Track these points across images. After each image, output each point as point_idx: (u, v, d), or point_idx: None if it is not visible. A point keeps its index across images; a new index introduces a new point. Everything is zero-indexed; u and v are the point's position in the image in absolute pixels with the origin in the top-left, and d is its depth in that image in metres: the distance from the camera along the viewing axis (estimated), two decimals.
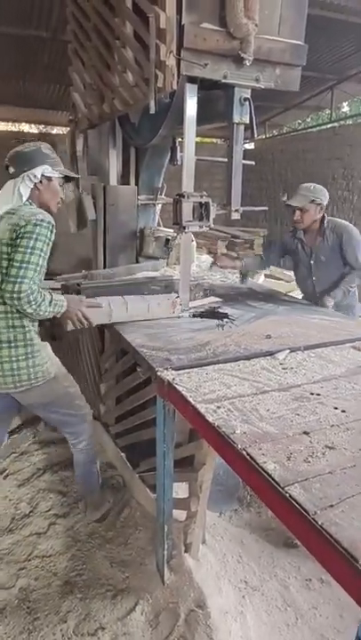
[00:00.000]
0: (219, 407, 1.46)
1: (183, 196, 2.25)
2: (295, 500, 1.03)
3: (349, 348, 2.04)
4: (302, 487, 1.07)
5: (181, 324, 2.35)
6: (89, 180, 3.15)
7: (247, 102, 2.19)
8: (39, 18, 6.01)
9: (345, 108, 14.08)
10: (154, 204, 3.36)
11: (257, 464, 1.16)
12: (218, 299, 2.82)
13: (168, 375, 1.69)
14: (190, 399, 1.51)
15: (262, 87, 2.19)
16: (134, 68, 2.22)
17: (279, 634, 1.83)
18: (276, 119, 11.05)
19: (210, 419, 1.39)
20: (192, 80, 2.11)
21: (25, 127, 14.31)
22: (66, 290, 2.41)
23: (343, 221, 2.94)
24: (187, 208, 2.28)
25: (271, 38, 2.12)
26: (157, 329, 2.23)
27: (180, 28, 1.95)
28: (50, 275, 2.27)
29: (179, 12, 1.95)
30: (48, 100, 9.23)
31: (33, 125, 14.06)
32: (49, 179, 1.99)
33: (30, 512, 2.45)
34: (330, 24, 6.03)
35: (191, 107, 2.17)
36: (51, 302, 1.88)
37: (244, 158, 2.36)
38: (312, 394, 1.58)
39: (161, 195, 3.35)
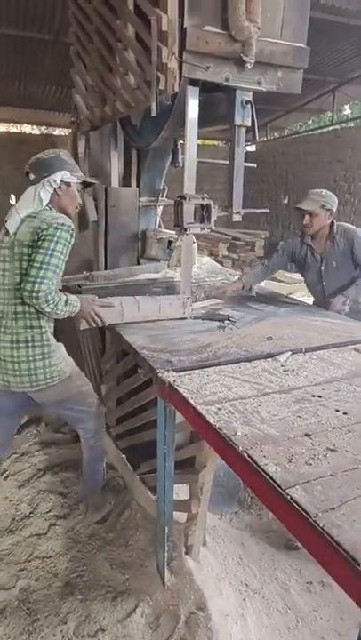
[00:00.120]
0: (220, 409, 1.46)
1: (184, 198, 2.25)
2: (296, 503, 1.03)
3: (351, 350, 2.03)
4: (304, 489, 1.07)
5: (183, 325, 2.35)
6: None
7: (249, 105, 2.19)
8: (42, 20, 6.04)
9: (346, 111, 14.11)
10: (155, 206, 3.37)
11: (258, 466, 1.16)
12: (219, 300, 2.82)
13: (169, 377, 1.69)
14: (191, 401, 1.51)
15: (264, 90, 2.19)
16: (136, 71, 2.23)
17: (280, 636, 1.83)
18: (277, 122, 11.07)
19: (211, 420, 1.39)
20: (194, 83, 2.11)
21: (27, 128, 14.36)
22: (67, 291, 2.41)
23: (352, 226, 2.92)
24: (188, 210, 2.28)
25: (273, 41, 2.12)
26: (159, 330, 2.23)
27: (182, 30, 1.96)
28: None
29: (181, 14, 1.95)
30: (50, 101, 9.26)
31: (35, 127, 14.10)
32: (68, 184, 2.05)
33: (30, 513, 2.45)
34: (331, 27, 6.04)
35: (193, 109, 2.18)
36: (66, 302, 1.94)
37: (245, 161, 2.37)
38: (313, 396, 1.57)
39: (162, 197, 3.35)
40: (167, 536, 1.96)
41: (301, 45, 2.21)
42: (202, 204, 2.29)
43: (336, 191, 8.53)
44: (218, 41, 2.00)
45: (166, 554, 1.99)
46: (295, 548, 2.19)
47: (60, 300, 1.90)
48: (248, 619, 1.87)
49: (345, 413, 1.45)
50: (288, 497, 1.05)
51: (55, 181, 1.99)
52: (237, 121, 2.22)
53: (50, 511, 2.47)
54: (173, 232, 2.85)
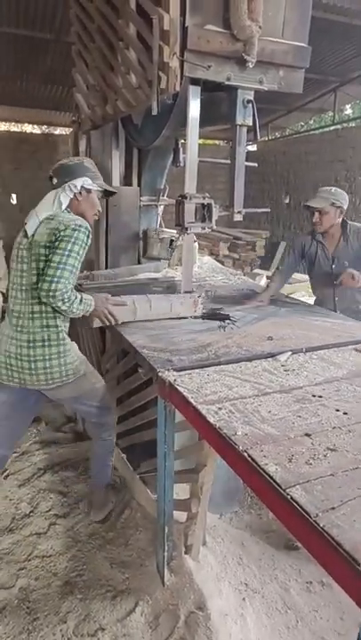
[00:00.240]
0: (220, 408, 1.46)
1: (186, 198, 2.25)
2: (297, 502, 1.03)
3: (351, 350, 2.03)
4: (304, 489, 1.07)
5: (183, 325, 2.35)
6: None
7: (250, 104, 2.19)
8: (43, 19, 6.03)
9: (348, 111, 14.09)
10: (156, 206, 3.37)
11: (258, 466, 1.16)
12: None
13: (169, 376, 1.69)
14: (192, 400, 1.51)
15: (265, 89, 2.19)
16: (137, 70, 2.23)
17: (279, 636, 1.83)
18: (278, 121, 11.05)
19: (211, 420, 1.39)
20: (195, 82, 2.11)
21: (28, 128, 14.36)
22: None
23: None
24: (189, 209, 2.28)
25: (275, 40, 2.12)
26: (159, 330, 2.23)
27: (184, 29, 1.96)
28: None
29: (182, 13, 1.96)
30: (51, 100, 9.25)
31: (36, 126, 14.11)
32: (88, 191, 2.10)
33: (31, 512, 2.46)
34: (333, 26, 6.03)
35: (194, 108, 2.18)
36: (81, 301, 1.98)
37: (246, 160, 2.37)
38: (314, 396, 1.57)
39: (163, 196, 3.35)
40: (167, 535, 1.96)
41: (303, 45, 2.21)
42: (203, 204, 2.30)
43: None
44: (219, 40, 2.00)
45: (166, 553, 1.99)
46: (295, 547, 2.19)
47: (76, 298, 1.94)
48: (248, 618, 1.87)
49: (345, 413, 1.45)
50: (288, 497, 1.05)
51: (75, 187, 2.05)
52: (239, 120, 2.22)
53: (50, 510, 2.47)
54: (174, 231, 2.85)
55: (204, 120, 2.23)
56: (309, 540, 0.99)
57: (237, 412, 1.44)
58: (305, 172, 9.59)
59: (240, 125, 2.25)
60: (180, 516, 2.10)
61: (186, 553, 2.07)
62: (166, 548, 1.98)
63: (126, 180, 3.25)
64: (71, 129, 3.53)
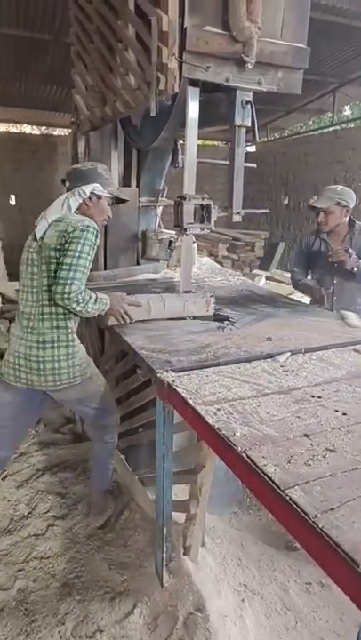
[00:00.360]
0: (219, 409, 1.46)
1: (184, 199, 2.25)
2: (295, 503, 1.02)
3: (351, 351, 2.03)
4: (303, 490, 1.07)
5: (182, 325, 2.34)
6: None
7: (249, 105, 2.19)
8: (42, 20, 6.03)
9: (347, 112, 14.12)
10: (155, 207, 3.37)
11: (257, 467, 1.16)
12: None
13: (168, 377, 1.69)
14: (190, 401, 1.51)
15: (264, 90, 2.19)
16: (136, 71, 2.23)
17: (279, 637, 1.83)
18: (277, 122, 11.06)
19: (210, 421, 1.39)
20: (194, 83, 2.11)
21: (27, 129, 14.35)
22: None
23: None
24: (188, 210, 2.28)
25: (273, 41, 2.12)
26: (158, 331, 2.23)
27: (183, 30, 1.95)
28: None
29: (181, 14, 1.95)
30: (50, 101, 9.25)
31: (35, 127, 14.10)
32: (98, 197, 2.12)
33: (29, 513, 2.45)
34: (332, 27, 6.04)
35: (193, 109, 2.18)
36: (96, 300, 1.99)
37: (245, 161, 2.36)
38: (313, 396, 1.57)
39: (162, 197, 3.35)
40: (166, 537, 1.96)
41: (302, 46, 2.20)
42: (202, 205, 2.29)
43: None
44: (218, 41, 2.00)
45: (165, 554, 1.98)
46: (294, 548, 2.19)
47: (90, 298, 1.95)
48: (247, 620, 1.87)
49: (344, 414, 1.45)
50: (287, 498, 1.04)
51: (85, 192, 2.07)
52: (238, 121, 2.22)
53: (48, 511, 2.47)
54: (173, 232, 2.85)
55: (203, 121, 2.22)
56: (308, 540, 0.99)
57: (236, 412, 1.44)
58: (304, 173, 9.60)
59: (239, 126, 2.25)
60: (179, 517, 2.09)
61: (185, 554, 2.07)
62: (165, 549, 1.97)
63: (125, 181, 3.25)
64: (70, 130, 3.53)
